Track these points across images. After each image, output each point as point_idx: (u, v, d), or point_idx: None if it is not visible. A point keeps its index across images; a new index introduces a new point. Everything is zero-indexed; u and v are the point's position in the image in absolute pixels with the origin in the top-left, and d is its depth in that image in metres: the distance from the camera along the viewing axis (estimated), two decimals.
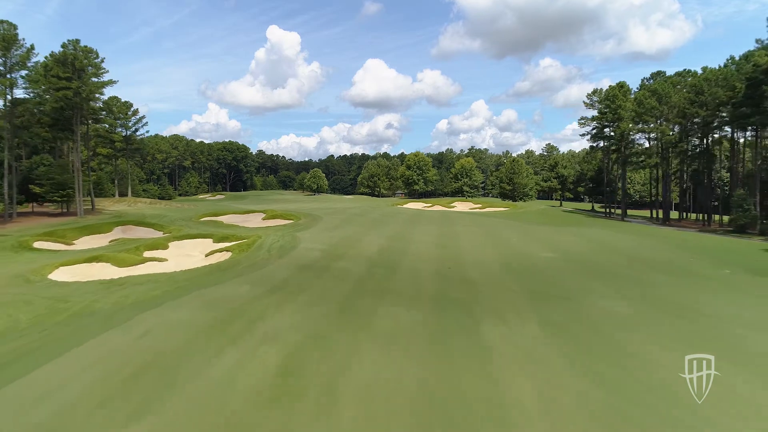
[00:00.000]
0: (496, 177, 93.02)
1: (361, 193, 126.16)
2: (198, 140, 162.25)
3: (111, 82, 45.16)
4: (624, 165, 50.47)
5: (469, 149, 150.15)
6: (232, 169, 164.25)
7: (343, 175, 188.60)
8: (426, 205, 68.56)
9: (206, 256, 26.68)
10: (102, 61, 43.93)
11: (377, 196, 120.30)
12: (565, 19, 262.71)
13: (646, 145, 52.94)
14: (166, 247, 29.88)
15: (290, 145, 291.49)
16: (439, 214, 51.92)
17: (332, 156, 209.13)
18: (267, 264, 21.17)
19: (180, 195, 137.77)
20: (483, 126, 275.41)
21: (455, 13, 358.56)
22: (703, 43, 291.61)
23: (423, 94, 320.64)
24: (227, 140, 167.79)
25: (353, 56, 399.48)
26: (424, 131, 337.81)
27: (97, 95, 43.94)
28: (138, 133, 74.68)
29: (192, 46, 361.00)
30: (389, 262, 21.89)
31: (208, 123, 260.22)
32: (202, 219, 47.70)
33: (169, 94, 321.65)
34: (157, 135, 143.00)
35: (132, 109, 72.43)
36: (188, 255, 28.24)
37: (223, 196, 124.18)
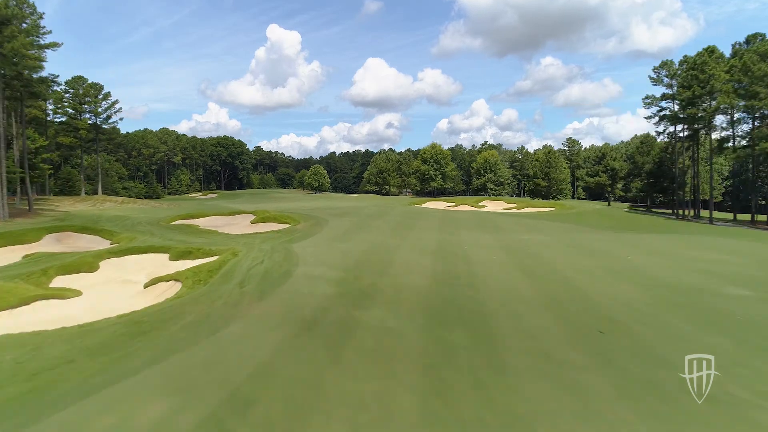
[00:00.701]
0: (513, 173, 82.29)
1: (367, 192, 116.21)
2: (191, 135, 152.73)
3: (54, 45, 35.31)
4: (718, 152, 40.39)
5: (482, 144, 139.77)
6: (227, 166, 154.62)
7: (346, 173, 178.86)
8: (449, 204, 58.55)
9: (146, 287, 16.72)
10: (40, 17, 34.04)
11: (385, 194, 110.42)
12: (566, 17, 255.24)
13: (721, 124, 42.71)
14: (94, 269, 19.91)
15: (290, 144, 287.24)
16: (473, 216, 41.85)
17: (333, 153, 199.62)
18: (232, 316, 11.19)
19: (169, 194, 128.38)
20: (483, 125, 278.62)
21: (456, 11, 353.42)
22: (705, 42, 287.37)
23: (423, 94, 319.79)
24: (221, 135, 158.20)
25: (353, 55, 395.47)
26: (425, 131, 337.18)
27: (34, 59, 33.92)
28: (110, 121, 64.61)
29: (192, 46, 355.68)
30: (465, 308, 11.87)
31: (208, 122, 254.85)
32: (173, 222, 37.77)
33: (169, 94, 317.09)
34: (146, 129, 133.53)
35: (102, 92, 62.48)
36: (123, 282, 18.31)
37: (215, 195, 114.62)
